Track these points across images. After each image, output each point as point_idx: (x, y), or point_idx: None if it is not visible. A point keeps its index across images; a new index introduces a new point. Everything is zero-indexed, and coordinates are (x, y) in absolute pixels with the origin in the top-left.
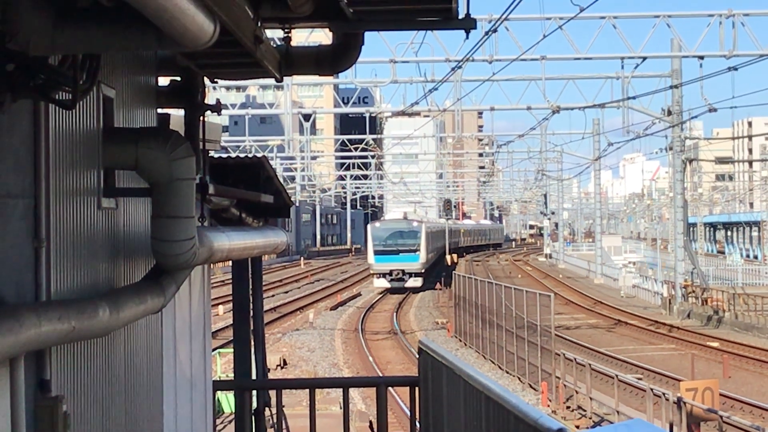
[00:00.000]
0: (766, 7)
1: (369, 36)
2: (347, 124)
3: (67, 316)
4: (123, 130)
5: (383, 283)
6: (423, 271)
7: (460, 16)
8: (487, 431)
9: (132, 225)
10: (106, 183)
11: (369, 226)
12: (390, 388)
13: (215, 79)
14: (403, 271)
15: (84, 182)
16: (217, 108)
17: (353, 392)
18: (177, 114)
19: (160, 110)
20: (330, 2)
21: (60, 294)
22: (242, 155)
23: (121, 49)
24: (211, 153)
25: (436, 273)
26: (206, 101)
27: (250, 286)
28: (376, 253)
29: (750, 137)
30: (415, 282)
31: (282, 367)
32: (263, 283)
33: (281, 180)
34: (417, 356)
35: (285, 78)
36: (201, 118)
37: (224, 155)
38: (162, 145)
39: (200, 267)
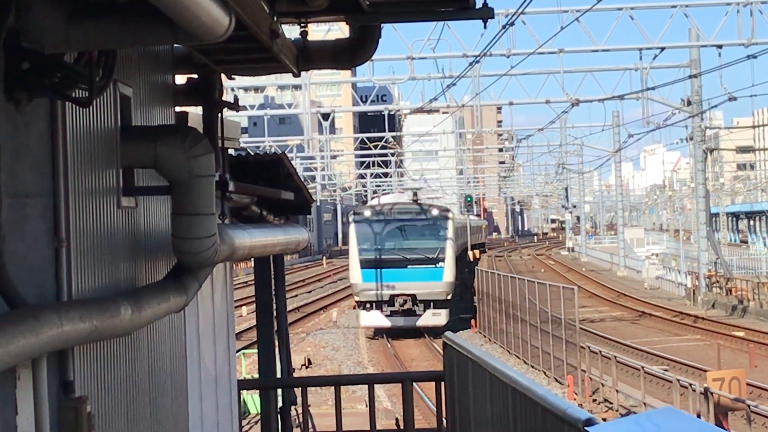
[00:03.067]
0: None
1: (386, 33)
2: (366, 122)
3: (88, 315)
4: (141, 129)
5: (377, 320)
6: (449, 297)
7: (478, 6)
8: (515, 424)
9: (152, 224)
10: (125, 182)
11: (352, 218)
12: (415, 383)
13: (233, 76)
14: (414, 297)
15: (103, 181)
16: (235, 105)
17: (378, 390)
18: (196, 112)
19: (178, 108)
20: None
21: (81, 294)
22: (261, 153)
23: (136, 44)
24: (231, 152)
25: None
26: (224, 98)
27: (273, 285)
28: (366, 265)
29: None
30: (437, 318)
31: (307, 367)
32: (286, 283)
33: (301, 178)
34: (441, 352)
35: (303, 77)
36: (219, 115)
37: (243, 154)
38: (180, 142)
39: (222, 265)
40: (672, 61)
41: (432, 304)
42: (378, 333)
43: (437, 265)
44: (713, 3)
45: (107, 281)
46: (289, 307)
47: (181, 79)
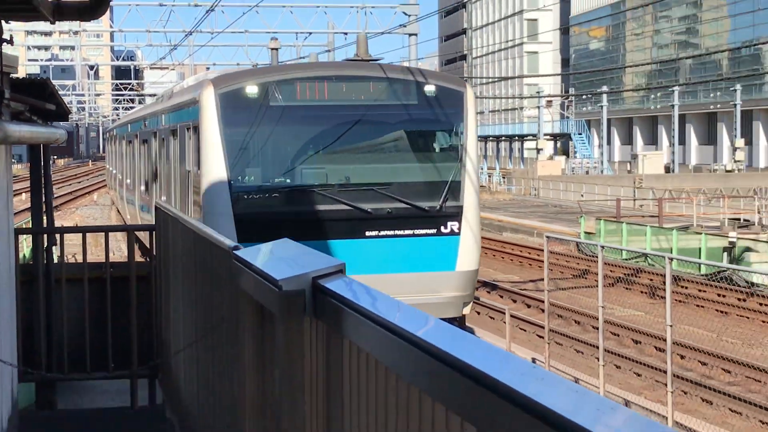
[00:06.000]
0: None
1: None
2: (120, 73)
3: None
4: None
5: None
6: (468, 307)
7: None
8: (195, 256)
9: None
10: None
11: (206, 98)
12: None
13: (8, 20)
14: None
15: None
16: (10, 41)
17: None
18: None
19: None
20: None
21: None
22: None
23: None
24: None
25: None
26: (2, 37)
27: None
28: (250, 232)
29: None
30: None
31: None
32: (64, 177)
33: (61, 96)
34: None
35: (75, 41)
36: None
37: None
38: None
39: (3, 148)
40: None
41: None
42: None
43: (444, 228)
44: None
45: None
46: (62, 192)
47: None
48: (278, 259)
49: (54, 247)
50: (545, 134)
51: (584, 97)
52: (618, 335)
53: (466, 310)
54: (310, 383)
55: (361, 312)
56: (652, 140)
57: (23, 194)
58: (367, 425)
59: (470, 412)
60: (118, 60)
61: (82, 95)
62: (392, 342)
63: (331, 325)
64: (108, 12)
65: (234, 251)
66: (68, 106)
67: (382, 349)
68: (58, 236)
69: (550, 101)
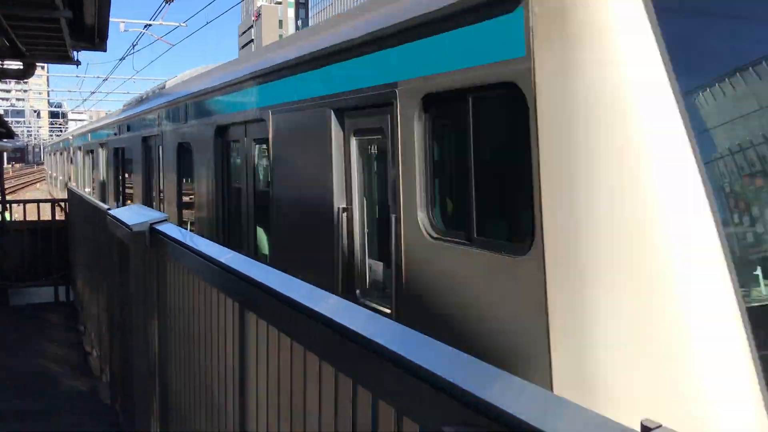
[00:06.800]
0: None
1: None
2: (53, 114)
3: None
4: None
5: None
6: None
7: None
8: (87, 215)
9: None
10: None
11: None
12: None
13: None
14: None
15: None
16: None
17: None
18: None
19: None
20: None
21: None
22: None
23: None
24: None
25: None
26: None
27: None
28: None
29: None
30: None
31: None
32: (19, 174)
33: (11, 126)
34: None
35: (26, 95)
36: None
37: None
38: None
39: None
40: None
41: None
42: None
43: None
44: None
45: None
46: (16, 182)
47: None
48: (131, 214)
49: (6, 212)
50: None
51: None
52: None
53: None
54: (150, 283)
55: (177, 241)
56: None
57: None
58: (181, 305)
59: (244, 300)
60: (51, 107)
61: (30, 127)
62: (193, 258)
63: (161, 250)
64: (46, 79)
65: (108, 211)
66: (20, 134)
67: (188, 263)
68: (8, 206)
69: None
